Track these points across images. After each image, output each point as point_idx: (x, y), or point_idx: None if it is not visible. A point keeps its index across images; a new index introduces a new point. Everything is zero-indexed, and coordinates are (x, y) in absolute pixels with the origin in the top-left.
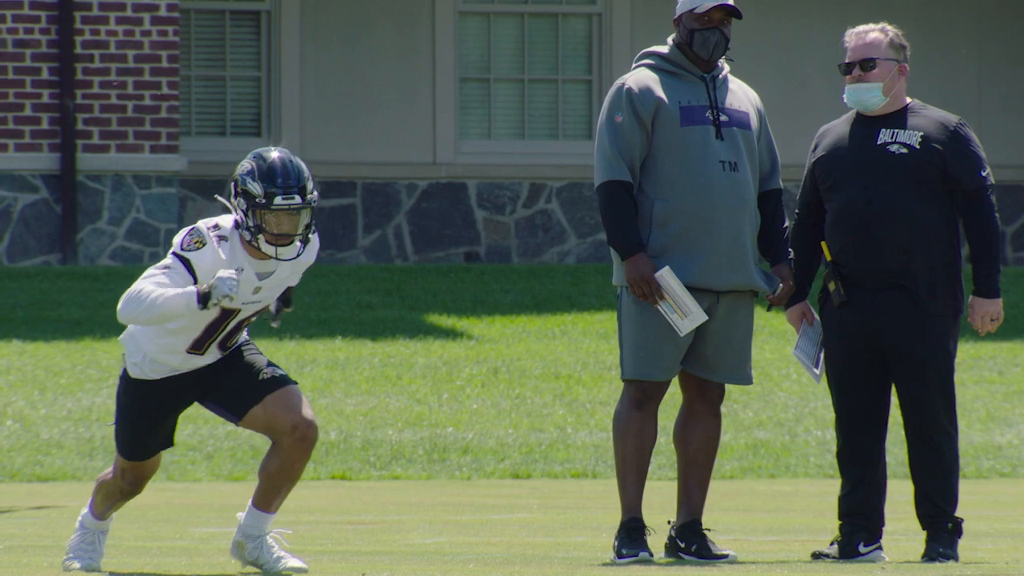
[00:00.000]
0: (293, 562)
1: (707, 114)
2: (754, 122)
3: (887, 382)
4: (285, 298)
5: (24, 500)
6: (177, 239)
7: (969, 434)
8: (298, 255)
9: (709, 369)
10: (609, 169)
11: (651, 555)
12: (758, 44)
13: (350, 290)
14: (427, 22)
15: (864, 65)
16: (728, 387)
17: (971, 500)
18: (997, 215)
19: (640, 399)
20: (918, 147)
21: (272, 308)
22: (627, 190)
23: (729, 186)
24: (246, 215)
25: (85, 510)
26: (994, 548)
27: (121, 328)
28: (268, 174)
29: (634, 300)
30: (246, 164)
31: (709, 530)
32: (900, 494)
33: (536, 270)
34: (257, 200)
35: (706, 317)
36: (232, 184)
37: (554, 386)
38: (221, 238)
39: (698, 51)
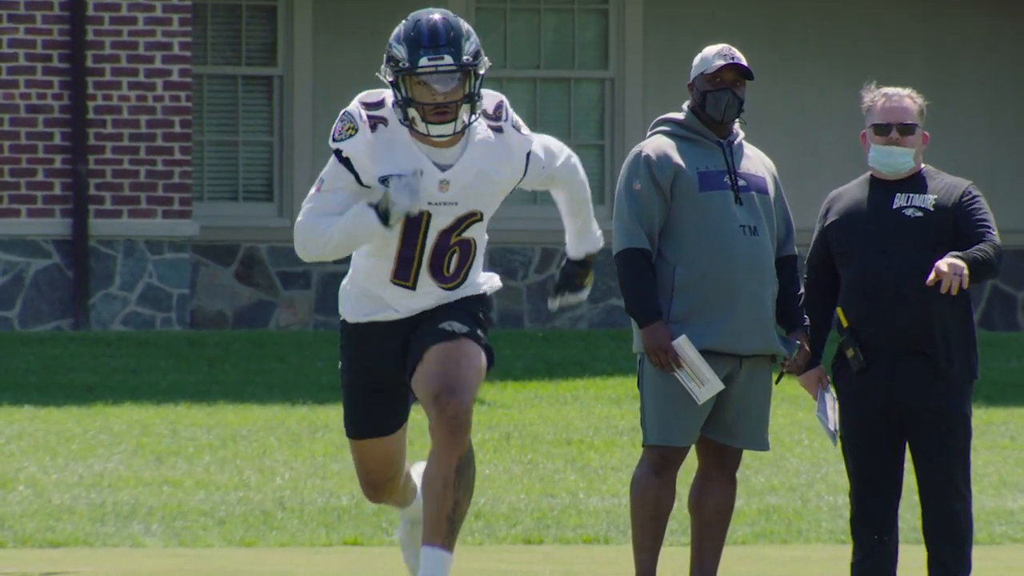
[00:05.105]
0: None
1: (725, 179)
2: (770, 187)
3: (902, 447)
4: (566, 275)
5: (35, 566)
6: (334, 127)
7: (981, 499)
8: (459, 131)
9: (729, 435)
10: (627, 237)
11: None
12: (771, 110)
13: None
14: None
15: (903, 129)
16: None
17: (983, 566)
18: (999, 267)
19: (660, 465)
20: (932, 209)
21: (552, 288)
22: (646, 258)
23: (750, 250)
24: (395, 88)
25: None
26: None
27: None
28: (414, 34)
29: None
30: (397, 28)
31: None
32: (911, 559)
33: (548, 335)
34: (401, 64)
35: (723, 386)
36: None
37: (566, 451)
38: (377, 121)
39: (711, 112)
